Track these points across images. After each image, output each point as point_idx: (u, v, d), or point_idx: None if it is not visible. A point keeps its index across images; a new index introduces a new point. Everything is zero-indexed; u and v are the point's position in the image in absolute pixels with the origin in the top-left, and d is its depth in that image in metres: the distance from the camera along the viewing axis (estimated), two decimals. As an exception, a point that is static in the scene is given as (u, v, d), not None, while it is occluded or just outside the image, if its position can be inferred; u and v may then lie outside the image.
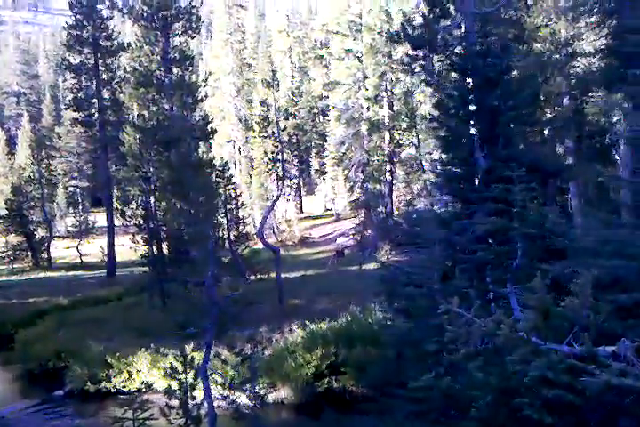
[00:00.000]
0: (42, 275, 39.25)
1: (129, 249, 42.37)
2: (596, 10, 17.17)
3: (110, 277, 34.64)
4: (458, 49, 11.18)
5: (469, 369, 5.51)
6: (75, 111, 33.90)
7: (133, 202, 23.93)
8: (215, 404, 15.83)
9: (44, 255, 44.06)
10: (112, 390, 16.75)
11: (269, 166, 29.66)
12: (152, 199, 23.46)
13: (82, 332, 20.79)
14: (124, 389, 16.66)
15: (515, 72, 9.93)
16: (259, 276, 27.11)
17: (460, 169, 9.57)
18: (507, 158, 8.87)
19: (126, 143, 23.72)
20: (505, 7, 14.90)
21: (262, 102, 33.71)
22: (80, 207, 67.71)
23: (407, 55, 21.86)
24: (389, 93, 40.61)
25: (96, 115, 32.91)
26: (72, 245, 52.19)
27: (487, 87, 9.12)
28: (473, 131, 9.50)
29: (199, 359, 14.76)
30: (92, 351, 18.05)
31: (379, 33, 39.98)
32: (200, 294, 24.23)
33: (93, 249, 45.60)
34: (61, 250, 49.94)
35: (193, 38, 26.42)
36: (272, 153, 28.54)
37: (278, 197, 24.92)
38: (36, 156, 46.69)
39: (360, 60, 41.01)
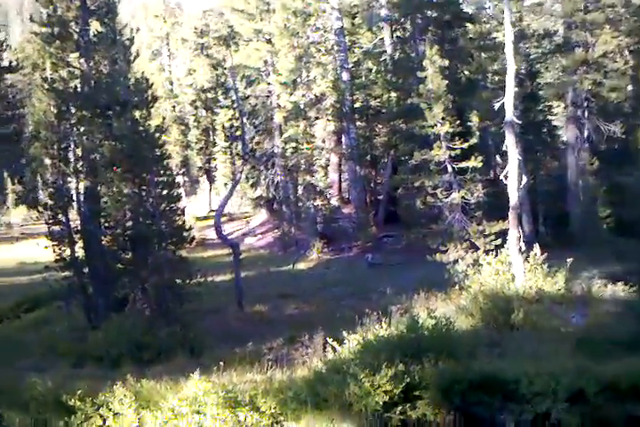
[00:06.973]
0: None
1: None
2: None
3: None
4: None
5: None
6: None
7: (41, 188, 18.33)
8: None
9: None
10: (76, 447, 11.57)
11: (226, 144, 24.62)
12: (74, 184, 18.13)
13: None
14: (97, 444, 11.59)
15: None
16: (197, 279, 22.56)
17: None
18: None
19: (36, 112, 18.19)
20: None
21: (216, 66, 28.50)
22: None
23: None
24: (305, 78, 36.77)
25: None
26: None
27: None
28: None
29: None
30: (33, 389, 12.47)
31: (293, 12, 36.41)
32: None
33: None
34: None
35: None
36: (231, 127, 23.72)
37: (239, 180, 20.39)
38: None
39: (270, 42, 37.01)
